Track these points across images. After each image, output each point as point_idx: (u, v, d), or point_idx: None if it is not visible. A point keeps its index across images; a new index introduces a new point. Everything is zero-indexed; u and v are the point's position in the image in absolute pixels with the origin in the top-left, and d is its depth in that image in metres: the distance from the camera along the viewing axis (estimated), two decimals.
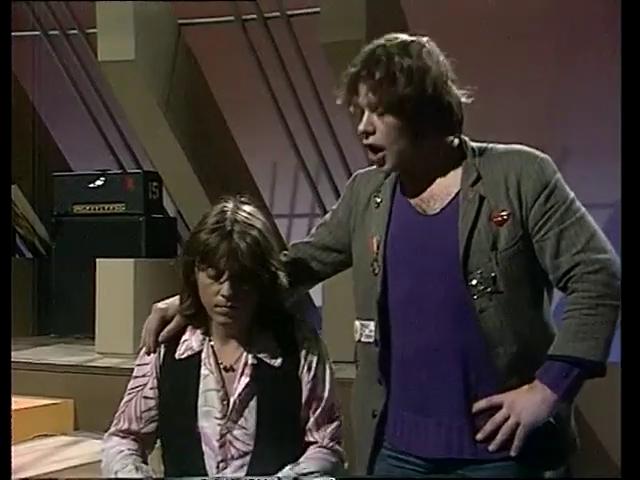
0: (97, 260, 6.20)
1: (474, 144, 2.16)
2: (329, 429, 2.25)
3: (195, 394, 2.23)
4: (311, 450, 2.24)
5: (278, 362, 2.24)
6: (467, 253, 2.04)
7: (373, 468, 2.20)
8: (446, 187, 2.12)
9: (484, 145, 2.16)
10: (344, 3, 5.64)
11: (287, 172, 7.59)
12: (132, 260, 6.22)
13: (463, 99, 2.11)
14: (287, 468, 2.17)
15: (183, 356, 2.27)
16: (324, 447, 2.24)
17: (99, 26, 6.42)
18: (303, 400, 2.24)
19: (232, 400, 2.20)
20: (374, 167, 2.27)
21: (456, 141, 2.15)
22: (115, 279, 6.13)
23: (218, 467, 2.19)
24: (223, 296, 2.15)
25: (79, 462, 4.48)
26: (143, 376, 2.31)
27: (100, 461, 2.32)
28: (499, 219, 2.05)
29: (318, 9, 5.86)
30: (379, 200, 2.20)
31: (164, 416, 2.28)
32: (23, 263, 7.64)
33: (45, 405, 5.34)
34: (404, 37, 2.11)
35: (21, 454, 4.56)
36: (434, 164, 2.13)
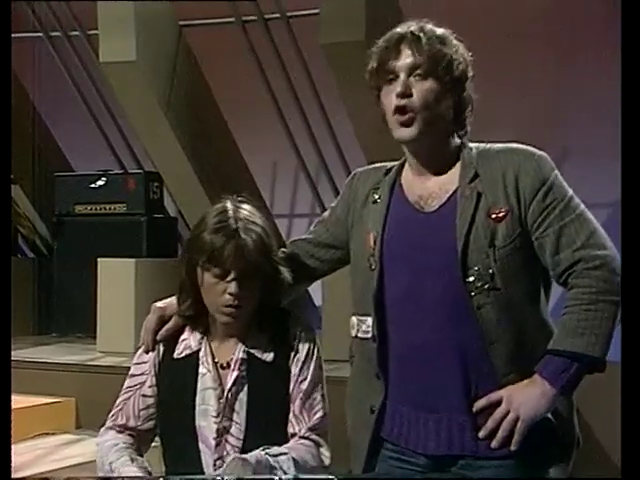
0: (98, 260, 6.22)
1: (471, 144, 2.18)
2: (309, 421, 2.23)
3: (193, 393, 2.23)
4: (294, 441, 2.21)
5: (270, 357, 2.24)
6: (465, 250, 2.05)
7: (371, 464, 2.20)
8: (444, 184, 2.14)
9: (481, 144, 2.18)
10: (343, 4, 5.64)
11: (287, 172, 7.60)
12: (133, 260, 6.24)
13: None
14: (259, 449, 2.13)
15: (181, 355, 2.28)
16: (304, 438, 2.22)
17: (100, 27, 6.43)
18: (289, 392, 2.24)
19: (224, 395, 2.21)
20: (373, 165, 2.31)
21: (457, 142, 2.17)
22: (116, 278, 6.14)
23: (215, 464, 2.19)
24: (230, 294, 2.16)
25: (81, 460, 4.51)
26: (141, 374, 2.31)
27: None
28: (497, 216, 2.07)
29: (318, 10, 5.87)
30: (377, 197, 2.22)
31: (163, 415, 2.28)
32: (25, 263, 7.65)
33: (47, 404, 5.35)
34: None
35: (23, 452, 4.59)
36: (441, 153, 2.15)
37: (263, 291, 2.20)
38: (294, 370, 2.25)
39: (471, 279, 2.05)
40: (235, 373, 2.22)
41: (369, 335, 2.16)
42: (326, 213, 2.40)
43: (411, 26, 2.13)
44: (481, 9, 6.64)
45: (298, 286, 2.36)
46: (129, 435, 2.30)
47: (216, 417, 2.21)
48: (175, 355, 2.28)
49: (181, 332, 2.30)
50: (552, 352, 2.03)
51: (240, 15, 6.85)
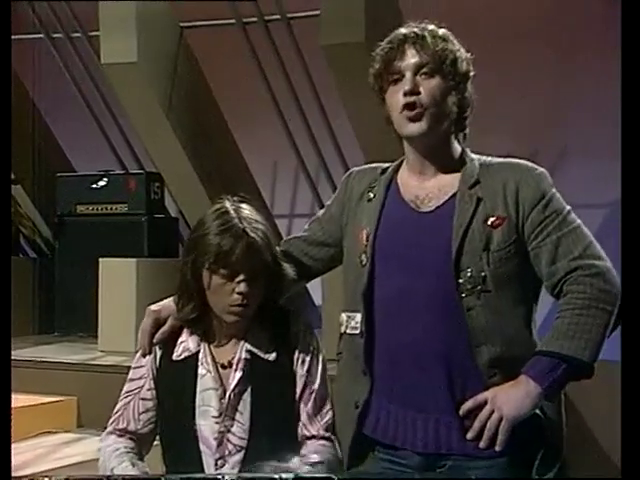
0: (100, 260, 6.23)
1: (473, 155, 2.20)
2: (322, 421, 2.24)
3: (193, 394, 2.23)
4: (312, 443, 2.23)
5: (272, 356, 2.24)
6: (459, 251, 2.07)
7: (355, 460, 2.20)
8: (443, 187, 2.16)
9: (483, 157, 2.20)
10: (343, 5, 5.65)
11: (287, 172, 7.60)
12: (134, 260, 6.25)
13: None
14: (296, 458, 2.14)
15: (180, 357, 2.27)
16: (322, 438, 2.23)
17: (102, 28, 6.44)
18: (297, 394, 2.24)
19: (227, 395, 2.21)
20: (370, 165, 2.32)
21: (458, 148, 2.19)
22: (118, 278, 6.15)
23: (216, 464, 2.19)
24: (240, 294, 2.15)
25: (82, 459, 4.52)
26: (140, 378, 2.30)
27: None
28: (494, 222, 2.09)
29: (318, 11, 5.88)
30: (372, 195, 2.23)
31: (163, 417, 2.28)
32: (26, 262, 7.65)
33: (48, 403, 5.35)
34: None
35: (24, 451, 4.59)
36: (443, 153, 2.16)
37: (267, 288, 2.20)
38: (301, 371, 2.25)
39: (463, 280, 2.06)
40: (238, 373, 2.21)
41: (357, 331, 2.17)
42: (321, 211, 2.41)
43: (413, 27, 2.15)
44: (481, 9, 6.64)
45: (294, 284, 2.35)
46: (130, 439, 2.29)
47: (217, 417, 2.20)
48: (174, 357, 2.28)
49: (178, 334, 2.29)
50: (540, 353, 2.04)
51: (241, 16, 6.85)
